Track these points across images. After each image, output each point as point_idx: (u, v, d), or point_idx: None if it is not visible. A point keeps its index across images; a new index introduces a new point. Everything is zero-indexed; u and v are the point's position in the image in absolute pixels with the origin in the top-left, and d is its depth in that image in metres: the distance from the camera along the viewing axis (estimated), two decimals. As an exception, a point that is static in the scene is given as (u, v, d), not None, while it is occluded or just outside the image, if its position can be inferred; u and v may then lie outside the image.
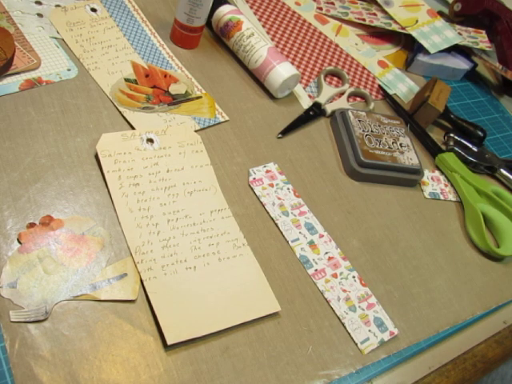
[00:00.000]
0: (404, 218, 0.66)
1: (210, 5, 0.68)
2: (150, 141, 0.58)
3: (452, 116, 0.80)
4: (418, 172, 0.69)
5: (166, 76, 0.66)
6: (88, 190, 0.53)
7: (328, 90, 0.75)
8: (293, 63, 0.78)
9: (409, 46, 0.91)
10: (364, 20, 0.88)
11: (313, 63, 0.80)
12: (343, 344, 0.52)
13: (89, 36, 0.66)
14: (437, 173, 0.73)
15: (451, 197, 0.71)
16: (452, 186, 0.72)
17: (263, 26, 0.81)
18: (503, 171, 0.77)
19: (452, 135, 0.77)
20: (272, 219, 0.58)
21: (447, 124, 0.81)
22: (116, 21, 0.69)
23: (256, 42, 0.70)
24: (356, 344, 0.52)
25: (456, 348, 0.57)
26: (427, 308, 0.58)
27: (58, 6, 0.67)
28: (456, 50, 0.91)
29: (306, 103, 0.73)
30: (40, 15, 0.65)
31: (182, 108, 0.64)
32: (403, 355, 0.54)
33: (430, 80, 0.80)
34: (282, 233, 0.58)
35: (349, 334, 0.53)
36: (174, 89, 0.65)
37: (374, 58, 0.86)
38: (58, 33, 0.65)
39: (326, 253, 0.58)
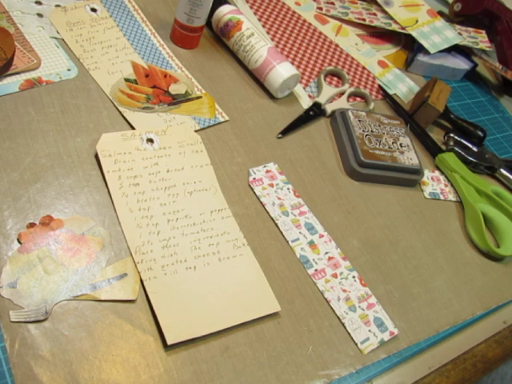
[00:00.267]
0: (404, 218, 0.66)
1: (210, 5, 0.68)
2: (150, 141, 0.58)
3: (452, 116, 0.80)
4: (418, 172, 0.69)
5: (165, 76, 0.66)
6: (88, 190, 0.53)
7: (328, 90, 0.75)
8: (293, 63, 0.78)
9: (409, 45, 0.91)
10: (364, 20, 0.88)
11: (313, 63, 0.80)
12: (343, 344, 0.52)
13: (89, 36, 0.66)
14: (437, 173, 0.73)
15: (451, 197, 0.71)
16: (452, 186, 0.72)
17: (263, 26, 0.81)
18: (503, 171, 0.77)
19: (452, 135, 0.77)
20: (272, 219, 0.58)
21: (447, 124, 0.81)
22: (116, 21, 0.69)
23: (256, 42, 0.70)
24: (356, 344, 0.52)
25: (456, 348, 0.57)
26: (427, 308, 0.58)
27: (58, 5, 0.67)
28: (456, 50, 0.91)
29: (306, 103, 0.73)
30: (40, 15, 0.65)
31: (181, 108, 0.64)
32: (403, 355, 0.54)
33: (430, 80, 0.80)
34: (281, 233, 0.58)
35: (349, 334, 0.53)
36: (174, 89, 0.65)
37: (373, 58, 0.86)
38: (58, 33, 0.65)
39: (326, 253, 0.58)
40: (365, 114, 0.71)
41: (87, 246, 0.49)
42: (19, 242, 0.47)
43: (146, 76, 0.65)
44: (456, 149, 0.75)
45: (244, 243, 0.55)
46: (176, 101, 0.64)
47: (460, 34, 0.91)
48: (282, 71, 0.68)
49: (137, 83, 0.64)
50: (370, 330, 0.53)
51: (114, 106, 0.61)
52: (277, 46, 0.80)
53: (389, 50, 0.90)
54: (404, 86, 0.84)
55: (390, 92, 0.82)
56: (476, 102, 0.91)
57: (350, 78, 0.80)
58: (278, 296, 0.52)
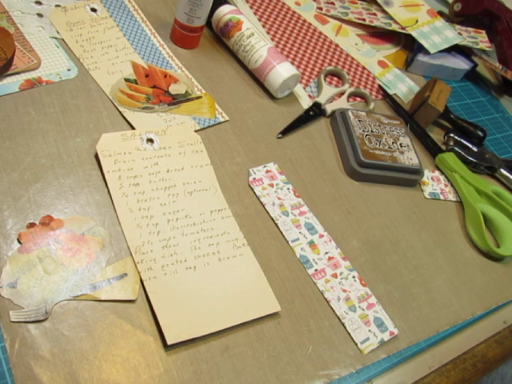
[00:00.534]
0: (404, 217, 0.66)
1: (210, 5, 0.68)
2: (150, 141, 0.58)
3: (452, 116, 0.80)
4: (418, 172, 0.69)
5: (165, 76, 0.66)
6: (88, 190, 0.53)
7: (328, 90, 0.75)
8: (293, 63, 0.78)
9: (409, 45, 0.91)
10: (364, 20, 0.88)
11: (313, 63, 0.80)
12: (343, 344, 0.52)
13: (89, 36, 0.66)
14: (437, 173, 0.73)
15: (451, 197, 0.71)
16: (452, 186, 0.72)
17: (263, 26, 0.81)
18: (503, 171, 0.77)
19: (452, 135, 0.77)
20: (272, 219, 0.58)
21: (447, 124, 0.81)
22: (116, 21, 0.69)
23: (256, 42, 0.70)
24: (356, 344, 0.52)
25: (456, 348, 0.57)
26: (427, 308, 0.58)
27: (58, 5, 0.67)
28: (456, 50, 0.91)
29: (306, 103, 0.73)
30: (40, 15, 0.65)
31: (182, 108, 0.64)
32: (403, 355, 0.54)
33: (430, 80, 0.80)
34: (281, 233, 0.58)
35: (349, 334, 0.53)
36: (174, 89, 0.65)
37: (374, 58, 0.86)
38: (58, 33, 0.65)
39: (326, 253, 0.58)
40: (365, 114, 0.71)
41: (87, 245, 0.49)
42: (19, 242, 0.47)
43: (146, 76, 0.65)
44: (456, 149, 0.75)
45: (244, 243, 0.55)
46: (176, 101, 0.64)
47: (460, 34, 0.91)
48: (281, 71, 0.68)
49: (137, 83, 0.64)
50: (370, 330, 0.53)
51: (114, 106, 0.61)
52: (277, 46, 0.80)
53: (389, 49, 0.90)
54: (404, 86, 0.84)
55: (390, 92, 0.82)
56: (476, 101, 0.91)
57: (350, 78, 0.80)
58: (277, 296, 0.52)
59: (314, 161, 0.67)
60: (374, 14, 0.90)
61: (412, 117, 0.78)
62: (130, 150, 0.56)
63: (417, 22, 0.89)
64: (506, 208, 0.68)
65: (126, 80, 0.64)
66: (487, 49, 0.90)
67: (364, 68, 0.83)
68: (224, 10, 0.72)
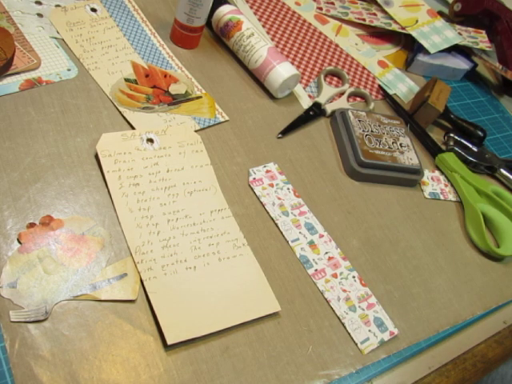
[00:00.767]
0: (404, 217, 0.66)
1: (210, 5, 0.68)
2: (150, 141, 0.58)
3: (452, 116, 0.80)
4: (418, 172, 0.69)
5: (165, 76, 0.66)
6: (88, 190, 0.53)
7: (328, 90, 0.75)
8: (293, 63, 0.78)
9: (409, 46, 0.91)
10: (364, 20, 0.88)
11: (313, 63, 0.80)
12: (343, 344, 0.52)
13: (89, 36, 0.66)
14: (437, 173, 0.74)
15: (451, 197, 0.71)
16: (452, 186, 0.72)
17: (263, 26, 0.81)
18: (503, 171, 0.77)
19: (452, 135, 0.77)
20: (272, 219, 0.58)
21: (447, 124, 0.81)
22: (116, 21, 0.69)
23: (256, 42, 0.70)
24: (356, 344, 0.52)
25: (456, 348, 0.57)
26: (427, 308, 0.58)
27: (58, 6, 0.67)
28: (456, 50, 0.91)
29: (306, 103, 0.73)
30: (40, 15, 0.65)
31: (182, 108, 0.64)
32: (403, 355, 0.54)
33: (430, 80, 0.80)
34: (281, 233, 0.58)
35: (349, 334, 0.53)
36: (174, 89, 0.65)
37: (374, 58, 0.86)
38: (58, 33, 0.65)
39: (326, 253, 0.58)
40: (365, 114, 0.71)
41: (87, 245, 0.49)
42: (19, 242, 0.47)
43: (146, 76, 0.65)
44: (456, 149, 0.75)
45: (244, 243, 0.55)
46: (176, 101, 0.64)
47: (460, 34, 0.91)
48: (282, 71, 0.68)
49: (137, 83, 0.64)
50: (370, 330, 0.53)
51: (114, 105, 0.61)
52: (277, 46, 0.80)
53: (389, 49, 0.90)
54: (404, 86, 0.84)
55: (390, 92, 0.82)
56: (476, 101, 0.91)
57: (350, 78, 0.80)
58: (278, 296, 0.52)
59: (313, 161, 0.67)
60: (374, 14, 0.90)
61: (412, 117, 0.78)
62: (130, 149, 0.56)
63: (417, 22, 0.89)
64: (506, 208, 0.68)
65: (126, 80, 0.64)
66: (487, 49, 0.90)
67: (364, 68, 0.83)
68: (224, 10, 0.72)
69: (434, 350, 0.56)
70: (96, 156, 0.56)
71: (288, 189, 0.62)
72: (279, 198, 0.60)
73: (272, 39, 0.80)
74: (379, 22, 0.89)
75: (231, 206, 0.57)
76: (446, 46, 0.88)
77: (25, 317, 0.44)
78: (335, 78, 0.80)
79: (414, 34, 0.88)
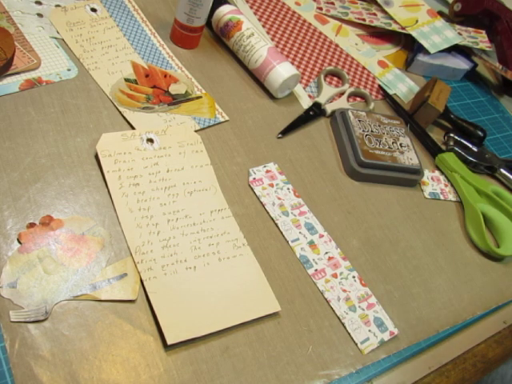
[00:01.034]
0: (404, 217, 0.66)
1: (210, 5, 0.68)
2: (150, 141, 0.58)
3: (452, 116, 0.80)
4: (418, 172, 0.69)
5: (165, 76, 0.66)
6: (88, 190, 0.53)
7: (328, 90, 0.75)
8: (293, 63, 0.78)
9: (409, 46, 0.91)
10: (364, 20, 0.88)
11: (313, 63, 0.80)
12: (343, 344, 0.52)
13: (89, 36, 0.66)
14: (437, 173, 0.73)
15: (451, 197, 0.71)
16: (452, 186, 0.72)
17: (263, 26, 0.81)
18: (503, 171, 0.77)
19: (452, 135, 0.77)
20: (272, 219, 0.58)
21: (447, 124, 0.81)
22: (116, 21, 0.69)
23: (256, 41, 0.70)
24: (356, 344, 0.52)
25: (456, 348, 0.57)
26: (427, 308, 0.58)
27: (58, 6, 0.67)
28: (456, 50, 0.91)
29: (306, 103, 0.73)
30: (40, 15, 0.65)
31: (182, 108, 0.64)
32: (403, 355, 0.54)
33: (429, 80, 0.80)
34: (281, 233, 0.58)
35: (349, 333, 0.53)
36: (174, 89, 0.65)
37: (374, 58, 0.86)
38: (58, 33, 0.65)
39: (326, 253, 0.58)
40: (365, 114, 0.71)
41: (87, 245, 0.49)
42: (19, 242, 0.47)
43: (146, 76, 0.65)
44: (456, 149, 0.75)
45: (244, 243, 0.55)
46: (176, 101, 0.64)
47: (460, 34, 0.91)
48: (282, 71, 0.68)
49: (137, 83, 0.64)
50: (370, 330, 0.53)
51: (114, 105, 0.61)
52: (277, 46, 0.80)
53: (389, 49, 0.90)
54: (404, 86, 0.84)
55: (390, 92, 0.82)
56: (476, 101, 0.91)
57: (350, 78, 0.80)
58: (278, 296, 0.52)
59: (314, 161, 0.67)
60: (374, 14, 0.90)
61: (412, 117, 0.78)
62: (130, 149, 0.56)
63: (417, 22, 0.89)
64: (506, 208, 0.68)
65: (126, 80, 0.64)
66: (487, 49, 0.90)
67: (364, 68, 0.83)
68: (224, 10, 0.72)
69: (434, 350, 0.56)
70: (96, 156, 0.56)
71: (288, 189, 0.62)
72: (279, 198, 0.60)
73: (272, 39, 0.80)
74: (379, 21, 0.89)
75: (231, 206, 0.57)
76: (446, 45, 0.88)
77: (25, 317, 0.44)
78: (335, 78, 0.80)
79: (413, 34, 0.88)
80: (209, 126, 0.64)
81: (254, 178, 0.61)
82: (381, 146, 0.68)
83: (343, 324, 0.53)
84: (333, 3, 0.90)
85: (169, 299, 0.48)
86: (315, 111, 0.72)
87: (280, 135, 0.67)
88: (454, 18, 0.99)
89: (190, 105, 0.65)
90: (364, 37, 0.89)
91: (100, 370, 0.43)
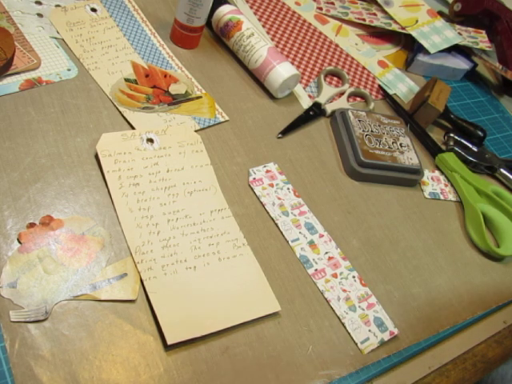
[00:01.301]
0: (404, 217, 0.66)
1: (210, 5, 0.68)
2: (150, 141, 0.58)
3: (452, 116, 0.80)
4: (418, 172, 0.69)
5: (166, 76, 0.66)
6: (88, 190, 0.53)
7: (328, 90, 0.75)
8: (293, 63, 0.78)
9: (409, 46, 0.91)
10: (364, 20, 0.88)
11: (313, 63, 0.80)
12: (343, 344, 0.52)
13: (89, 36, 0.66)
14: (437, 173, 0.74)
15: (451, 197, 0.71)
16: (452, 186, 0.72)
17: (263, 26, 0.81)
18: (503, 171, 0.77)
19: (452, 135, 0.77)
20: (272, 219, 0.58)
21: (447, 124, 0.82)
22: (116, 21, 0.69)
23: (256, 41, 0.70)
24: (356, 344, 0.52)
25: (456, 348, 0.57)
26: (427, 308, 0.58)
27: (58, 5, 0.67)
28: (456, 50, 0.91)
29: (306, 103, 0.73)
30: (40, 15, 0.65)
31: (182, 108, 0.64)
32: (403, 355, 0.54)
33: (429, 80, 0.80)
34: (282, 233, 0.58)
35: (349, 333, 0.53)
36: (174, 89, 0.65)
37: (374, 58, 0.86)
38: (58, 33, 0.65)
39: (326, 253, 0.58)
40: (365, 114, 0.71)
41: (87, 245, 0.49)
42: (19, 242, 0.47)
43: (146, 76, 0.65)
44: (456, 149, 0.75)
45: (244, 243, 0.55)
46: (176, 101, 0.64)
47: (460, 34, 0.91)
48: (282, 71, 0.68)
49: (137, 83, 0.64)
50: (369, 330, 0.53)
51: (114, 105, 0.61)
52: (277, 46, 0.80)
53: (389, 49, 0.90)
54: (404, 86, 0.84)
55: (390, 92, 0.82)
56: (476, 101, 0.91)
57: (350, 78, 0.80)
58: (278, 296, 0.52)
59: (313, 161, 0.67)
60: (374, 14, 0.90)
61: (412, 117, 0.78)
62: (130, 149, 0.56)
63: (417, 22, 0.89)
64: (506, 208, 0.68)
65: (126, 80, 0.64)
66: (487, 49, 0.90)
67: (364, 68, 0.83)
68: (224, 10, 0.72)
69: (434, 350, 0.56)
70: (96, 156, 0.56)
71: (288, 189, 0.62)
72: (279, 198, 0.60)
73: (272, 39, 0.80)
74: (379, 21, 0.89)
75: (231, 205, 0.57)
76: (446, 45, 0.88)
77: (25, 317, 0.44)
78: (335, 78, 0.80)
79: (413, 34, 0.88)
80: (209, 126, 0.64)
81: (254, 178, 0.61)
82: (381, 146, 0.68)
83: (343, 324, 0.53)
84: (333, 3, 0.90)
85: (169, 299, 0.48)
86: (315, 111, 0.72)
87: (280, 135, 0.67)
88: (454, 18, 0.99)
89: (190, 105, 0.65)
90: (364, 37, 0.89)
91: (100, 370, 0.43)
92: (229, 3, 0.74)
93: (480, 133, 0.79)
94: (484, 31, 0.94)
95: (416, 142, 0.76)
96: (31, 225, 0.49)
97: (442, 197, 0.71)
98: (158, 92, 0.64)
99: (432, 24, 0.90)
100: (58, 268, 0.47)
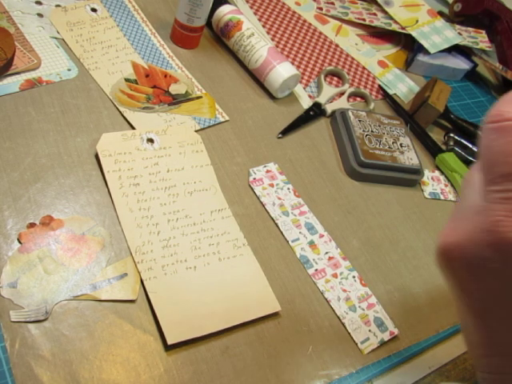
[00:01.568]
0: (404, 217, 0.66)
1: (210, 5, 0.68)
2: (150, 141, 0.58)
3: (452, 116, 0.80)
4: (418, 172, 0.69)
5: (166, 76, 0.66)
6: (88, 190, 0.53)
7: (328, 90, 0.75)
8: (293, 63, 0.78)
9: (409, 46, 0.91)
10: (364, 20, 0.88)
11: (313, 63, 0.80)
12: (343, 344, 0.52)
13: (89, 36, 0.66)
14: (437, 173, 0.74)
15: (451, 197, 0.71)
16: (452, 186, 0.72)
17: (263, 26, 0.81)
18: (503, 171, 0.77)
19: (452, 135, 0.77)
20: (272, 219, 0.58)
21: (447, 124, 0.81)
22: (116, 21, 0.69)
23: (256, 41, 0.70)
24: (356, 344, 0.52)
25: (456, 348, 0.57)
26: (427, 308, 0.58)
27: (58, 5, 0.67)
28: (456, 50, 0.91)
29: (306, 103, 0.73)
30: (40, 15, 0.65)
31: (182, 108, 0.64)
32: (403, 355, 0.54)
33: (429, 80, 0.80)
34: (282, 233, 0.58)
35: (349, 333, 0.53)
36: (174, 89, 0.65)
37: (374, 58, 0.86)
38: (58, 33, 0.65)
39: (326, 253, 0.58)
40: (365, 114, 0.71)
41: (87, 245, 0.49)
42: (19, 242, 0.47)
43: (146, 76, 0.65)
44: (456, 149, 0.75)
45: (244, 243, 0.55)
46: (176, 101, 0.64)
47: (460, 33, 0.91)
48: (282, 71, 0.68)
49: (137, 83, 0.64)
50: (370, 330, 0.53)
51: (114, 105, 0.61)
52: (277, 46, 0.80)
53: (389, 49, 0.90)
54: (404, 86, 0.84)
55: (390, 92, 0.82)
56: (476, 101, 0.91)
57: (350, 78, 0.80)
58: (278, 296, 0.52)
59: (314, 161, 0.67)
60: (374, 14, 0.90)
61: (412, 117, 0.78)
62: (130, 149, 0.56)
63: (417, 21, 0.89)
64: (506, 208, 0.68)
65: (126, 80, 0.64)
66: (487, 49, 0.90)
67: (364, 68, 0.83)
68: (224, 10, 0.72)
69: (434, 350, 0.56)
70: (96, 156, 0.56)
71: (288, 189, 0.62)
72: (279, 198, 0.60)
73: (272, 39, 0.80)
74: (379, 21, 0.89)
75: (231, 206, 0.57)
76: (446, 46, 0.88)
77: (25, 317, 0.44)
78: (335, 78, 0.80)
79: (414, 34, 0.88)
80: (209, 126, 0.64)
81: (254, 178, 0.61)
82: (381, 146, 0.68)
83: (343, 324, 0.53)
84: (333, 3, 0.90)
85: (169, 299, 0.48)
86: (315, 111, 0.72)
87: (280, 135, 0.67)
88: (454, 18, 0.99)
89: (190, 105, 0.65)
90: (364, 37, 0.89)
91: (100, 370, 0.43)
92: (229, 3, 0.74)
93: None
94: (484, 31, 0.94)
95: (416, 142, 0.76)
96: (31, 225, 0.49)
97: (442, 197, 0.71)
98: (158, 92, 0.64)
99: (432, 24, 0.90)
100: (58, 268, 0.47)
